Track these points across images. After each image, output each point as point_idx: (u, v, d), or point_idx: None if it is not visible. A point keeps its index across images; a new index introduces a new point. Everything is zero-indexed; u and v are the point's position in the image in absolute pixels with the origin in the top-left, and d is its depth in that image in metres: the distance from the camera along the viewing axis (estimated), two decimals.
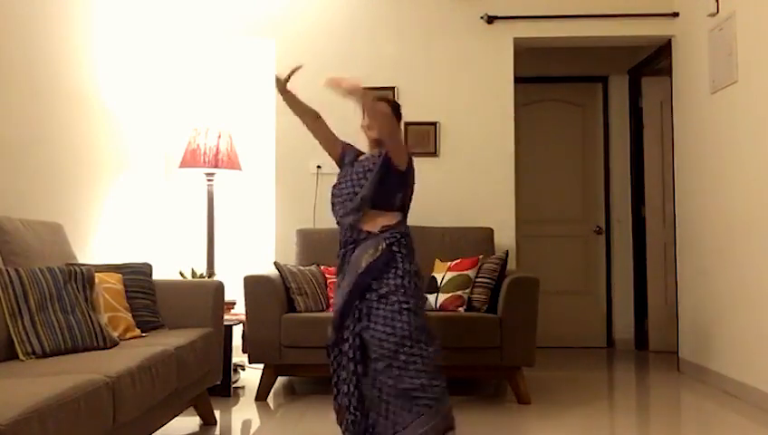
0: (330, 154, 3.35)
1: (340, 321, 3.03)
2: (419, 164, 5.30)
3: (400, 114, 3.31)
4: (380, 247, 3.02)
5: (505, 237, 4.84)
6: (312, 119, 3.30)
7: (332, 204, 3.23)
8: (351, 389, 2.97)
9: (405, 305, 2.92)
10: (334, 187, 3.25)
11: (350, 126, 5.02)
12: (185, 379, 2.97)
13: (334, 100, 5.41)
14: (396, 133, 3.15)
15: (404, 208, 3.20)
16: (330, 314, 4.08)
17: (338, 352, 3.06)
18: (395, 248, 3.03)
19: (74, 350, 2.72)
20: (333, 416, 3.57)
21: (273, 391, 4.06)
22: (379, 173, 3.11)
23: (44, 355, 2.63)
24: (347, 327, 3.00)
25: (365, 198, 3.09)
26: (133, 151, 4.80)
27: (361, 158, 3.25)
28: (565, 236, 6.14)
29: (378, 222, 3.10)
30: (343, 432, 3.01)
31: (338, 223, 3.20)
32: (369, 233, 3.08)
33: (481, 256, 4.30)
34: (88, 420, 2.09)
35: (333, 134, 3.33)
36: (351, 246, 3.12)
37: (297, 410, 3.80)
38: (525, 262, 5.36)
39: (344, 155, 3.30)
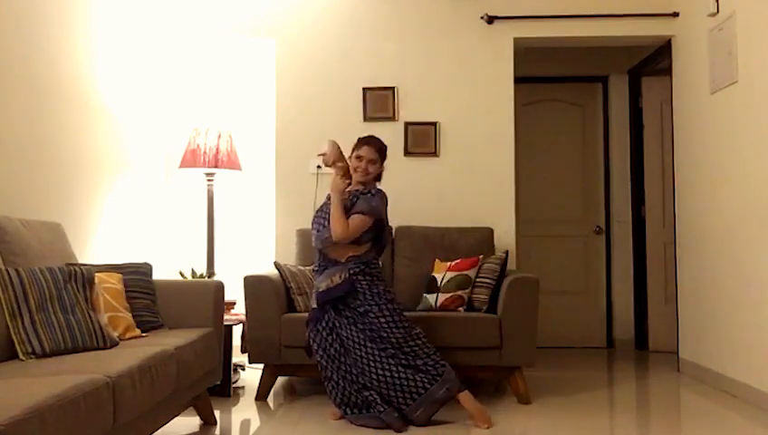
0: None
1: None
2: (419, 164, 5.28)
3: (385, 156, 3.64)
4: (343, 276, 3.42)
5: (505, 237, 4.84)
6: None
7: (311, 225, 3.57)
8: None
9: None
10: (318, 210, 3.60)
11: (350, 122, 5.05)
12: (185, 379, 2.97)
13: (334, 99, 5.40)
14: (351, 233, 3.43)
15: (376, 240, 3.53)
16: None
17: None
18: (360, 278, 3.43)
19: (74, 350, 2.72)
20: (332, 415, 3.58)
21: (273, 391, 4.06)
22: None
23: (44, 355, 2.63)
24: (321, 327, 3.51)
25: (327, 239, 3.46)
26: (133, 151, 4.80)
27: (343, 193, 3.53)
28: (565, 236, 6.14)
29: (346, 252, 3.46)
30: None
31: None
32: (336, 262, 3.47)
33: (481, 256, 4.30)
34: (88, 420, 2.09)
35: None
36: (322, 268, 3.51)
37: (297, 410, 3.80)
38: (525, 262, 5.36)
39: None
